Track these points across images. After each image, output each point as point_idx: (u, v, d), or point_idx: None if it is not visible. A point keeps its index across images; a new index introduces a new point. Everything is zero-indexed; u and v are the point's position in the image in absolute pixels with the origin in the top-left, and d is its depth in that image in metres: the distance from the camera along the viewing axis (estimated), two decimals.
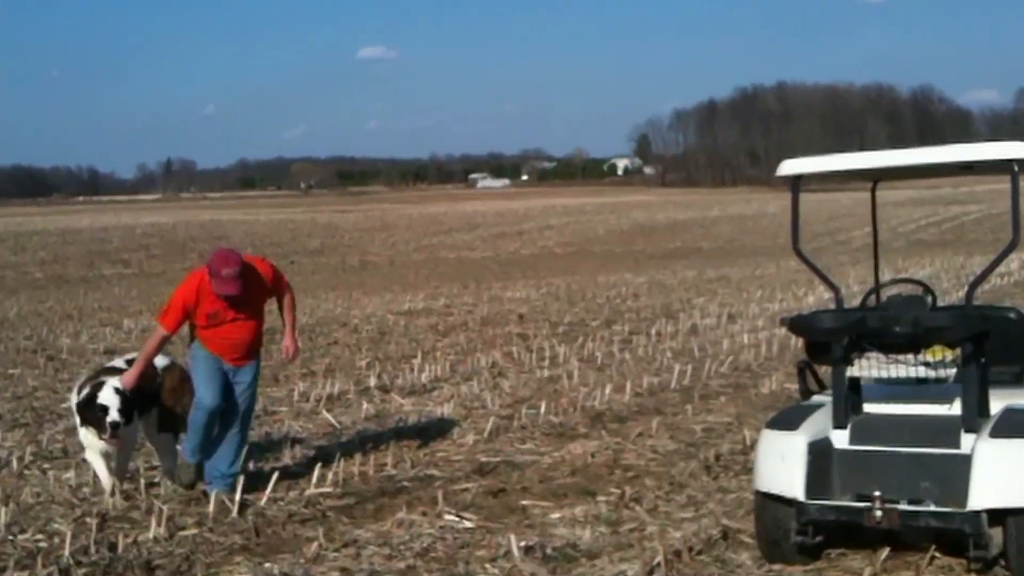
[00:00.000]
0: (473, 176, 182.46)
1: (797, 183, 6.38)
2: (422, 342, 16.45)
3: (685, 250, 48.07)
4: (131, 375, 7.52)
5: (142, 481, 7.97)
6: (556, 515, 6.87)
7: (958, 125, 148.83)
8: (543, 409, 10.21)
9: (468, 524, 6.76)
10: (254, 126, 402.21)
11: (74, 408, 7.67)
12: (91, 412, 7.40)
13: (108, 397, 7.35)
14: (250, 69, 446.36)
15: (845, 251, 37.63)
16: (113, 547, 6.42)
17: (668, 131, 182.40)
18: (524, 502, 7.26)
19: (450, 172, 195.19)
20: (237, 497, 7.16)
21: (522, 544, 6.10)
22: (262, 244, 51.66)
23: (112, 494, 7.52)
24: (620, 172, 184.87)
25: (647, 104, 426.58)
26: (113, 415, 7.30)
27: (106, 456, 7.67)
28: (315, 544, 6.33)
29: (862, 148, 6.64)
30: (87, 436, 7.57)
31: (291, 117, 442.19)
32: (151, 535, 6.61)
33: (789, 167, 6.30)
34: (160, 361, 7.93)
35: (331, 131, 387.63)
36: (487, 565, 5.89)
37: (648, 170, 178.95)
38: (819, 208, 58.36)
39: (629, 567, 5.60)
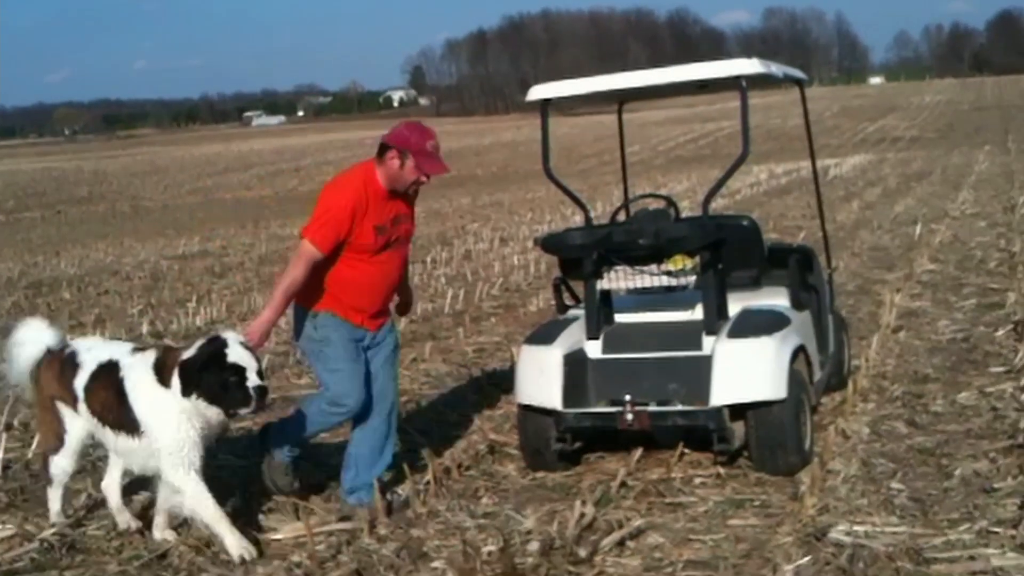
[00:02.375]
0: (248, 114, 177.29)
1: (546, 108, 6.56)
2: (197, 286, 16.12)
3: (460, 178, 48.23)
4: (265, 323, 5.32)
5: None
6: (335, 442, 6.92)
7: (713, 45, 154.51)
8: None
9: (245, 462, 6.75)
10: (10, 71, 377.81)
11: (178, 374, 4.98)
12: (213, 379, 4.94)
13: (241, 354, 4.97)
14: (4, 10, 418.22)
15: (611, 171, 38.64)
16: None
17: (441, 62, 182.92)
18: None
19: (223, 111, 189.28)
20: None
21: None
22: (25, 195, 49.03)
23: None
24: (396, 104, 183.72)
25: (419, 35, 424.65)
26: (254, 377, 4.96)
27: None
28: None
29: (624, 71, 6.82)
30: (182, 428, 5.01)
31: (52, 61, 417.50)
32: None
33: (537, 92, 6.47)
34: None
35: (95, 74, 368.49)
36: (263, 499, 5.90)
37: (423, 101, 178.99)
38: (587, 131, 59.80)
39: (402, 488, 5.75)
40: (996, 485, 5.21)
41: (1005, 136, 40.68)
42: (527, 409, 5.95)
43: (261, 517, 5.59)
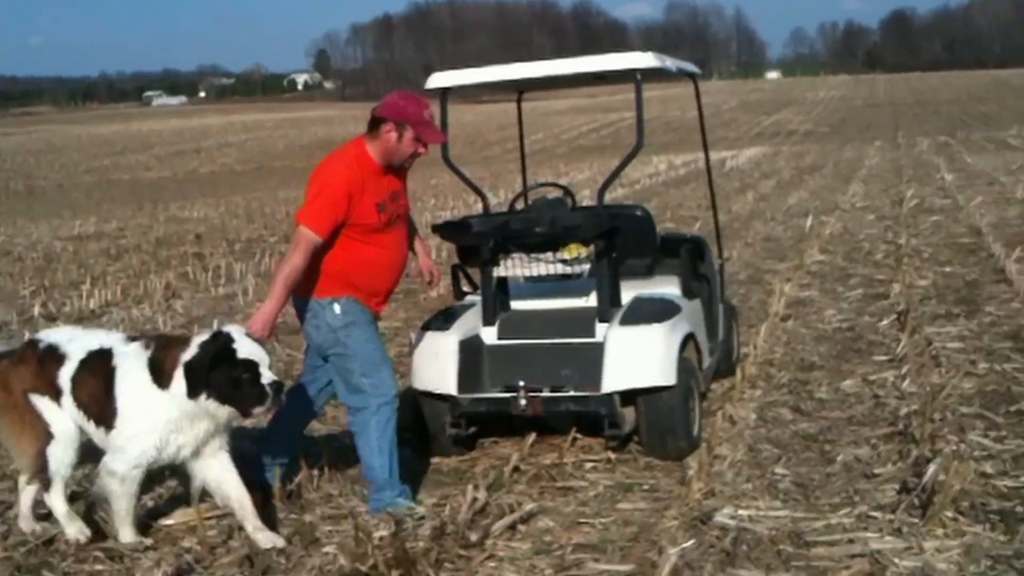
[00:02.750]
0: (148, 94, 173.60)
1: (444, 96, 6.58)
2: (92, 267, 15.85)
3: None
4: (268, 315, 4.92)
5: None
6: None
7: (616, 37, 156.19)
8: (215, 327, 10.09)
9: None
10: None
11: (183, 375, 4.67)
12: (224, 378, 4.66)
13: (252, 349, 4.69)
14: None
15: (515, 159, 38.68)
16: None
17: (346, 46, 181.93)
18: None
19: (123, 91, 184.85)
20: None
21: None
22: None
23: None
24: (300, 87, 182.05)
25: (324, 19, 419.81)
26: (267, 373, 4.72)
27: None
28: None
29: (529, 60, 6.89)
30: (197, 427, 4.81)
31: None
32: None
33: (436, 80, 6.48)
34: None
35: None
36: (154, 486, 5.83)
37: (328, 85, 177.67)
38: (492, 119, 59.88)
39: (295, 473, 5.71)
40: (876, 471, 5.39)
41: (895, 132, 41.89)
42: (422, 394, 5.99)
43: (150, 503, 5.53)
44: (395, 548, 4.48)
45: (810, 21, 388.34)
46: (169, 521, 5.23)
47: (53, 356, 5.00)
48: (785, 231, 15.23)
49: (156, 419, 4.73)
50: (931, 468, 4.92)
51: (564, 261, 6.05)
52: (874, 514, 4.82)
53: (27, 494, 5.20)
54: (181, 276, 14.32)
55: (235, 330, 4.78)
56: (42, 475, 5.02)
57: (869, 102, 68.42)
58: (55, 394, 4.96)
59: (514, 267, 6.14)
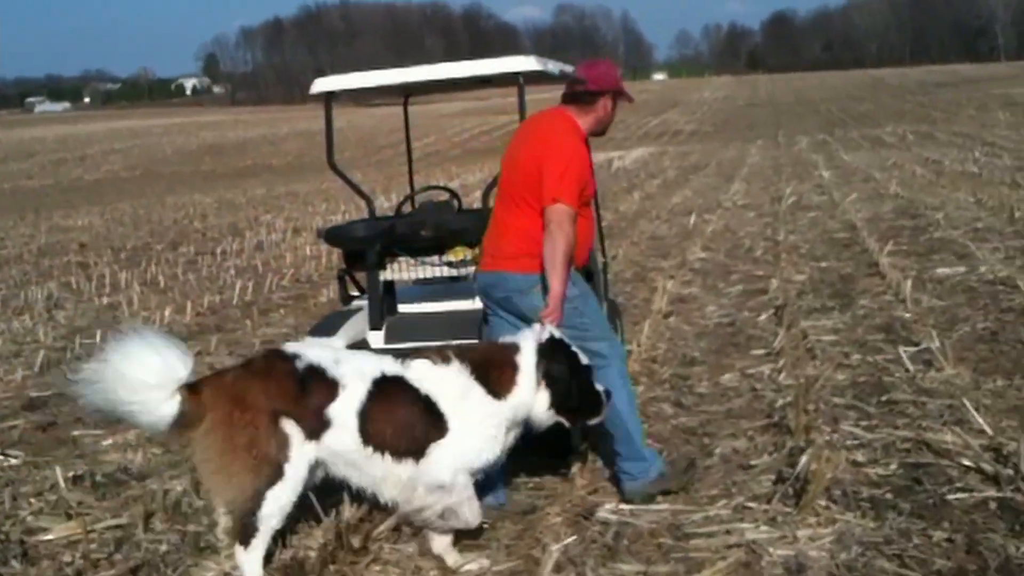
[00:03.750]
0: (30, 100, 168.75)
1: (329, 100, 6.59)
2: None
3: (255, 168, 47.63)
4: (559, 297, 4.76)
5: None
6: (108, 442, 6.79)
7: (506, 40, 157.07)
8: (99, 337, 9.93)
9: (14, 461, 6.55)
10: None
11: (546, 386, 4.52)
12: (573, 385, 4.54)
13: (578, 352, 4.62)
14: None
15: (406, 162, 38.80)
16: None
17: (236, 49, 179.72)
18: (75, 433, 7.10)
19: (3, 96, 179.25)
20: None
21: (70, 474, 6.03)
22: None
23: None
24: (189, 92, 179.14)
25: (213, 22, 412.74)
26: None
27: None
28: None
29: (421, 63, 6.91)
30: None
31: None
32: None
33: (320, 85, 6.49)
34: None
35: None
36: (32, 500, 5.76)
37: (217, 89, 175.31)
38: (384, 122, 59.64)
39: (178, 483, 5.69)
40: (753, 462, 5.56)
41: (776, 131, 42.97)
42: None
43: (29, 518, 5.44)
44: (285, 558, 4.50)
45: (694, 23, 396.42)
46: (49, 536, 5.15)
47: (321, 380, 4.35)
48: (670, 229, 15.54)
49: (494, 429, 4.46)
50: (804, 458, 5.10)
51: (450, 264, 6.11)
52: (750, 505, 4.98)
53: (248, 557, 4.29)
54: (64, 286, 14.02)
55: (552, 329, 4.58)
56: (247, 519, 4.26)
57: (751, 102, 70.05)
58: (316, 427, 4.31)
59: (401, 271, 6.19)
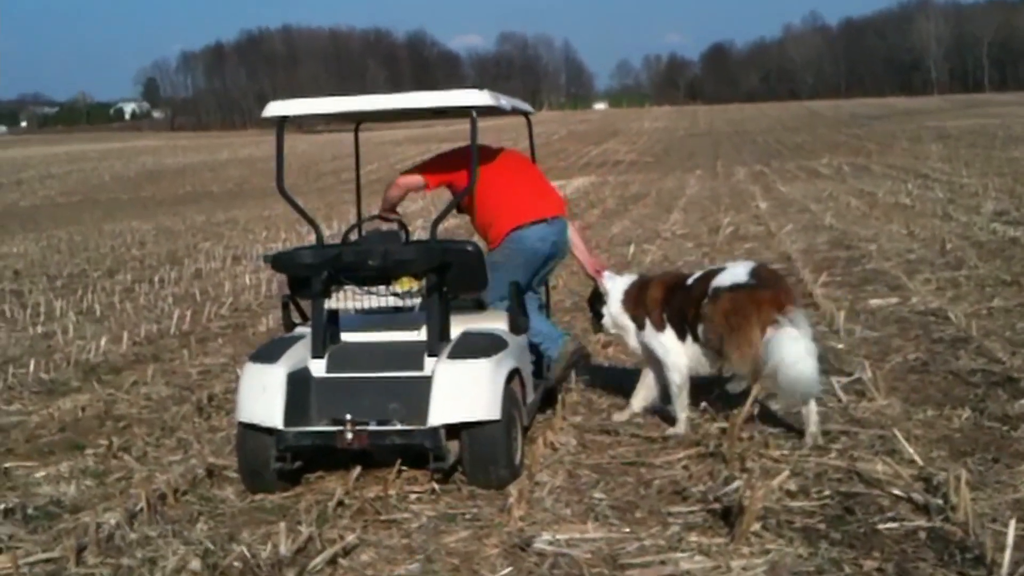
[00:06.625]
0: None
1: (282, 125, 6.56)
2: None
3: (195, 194, 47.22)
4: None
5: None
6: (41, 474, 6.68)
7: (449, 68, 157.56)
8: (32, 367, 9.80)
9: None
10: None
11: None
12: None
13: None
14: None
15: (349, 189, 38.62)
16: None
17: (176, 74, 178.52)
18: (7, 464, 6.98)
19: None
20: None
21: (1, 507, 5.94)
22: None
23: None
24: (128, 116, 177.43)
25: (154, 46, 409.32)
26: None
27: None
28: None
29: (363, 89, 6.94)
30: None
31: None
32: None
33: (274, 109, 6.46)
34: None
35: None
36: None
37: (157, 114, 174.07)
38: (326, 148, 59.54)
39: (112, 516, 5.61)
40: (689, 491, 5.62)
41: (715, 161, 43.53)
42: (247, 428, 5.93)
43: None
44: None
45: (635, 54, 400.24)
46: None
47: None
48: (609, 259, 15.60)
49: None
50: (736, 486, 5.16)
51: (396, 294, 6.13)
52: (685, 534, 5.02)
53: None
54: None
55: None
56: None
57: (691, 132, 70.90)
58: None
59: (346, 299, 6.19)
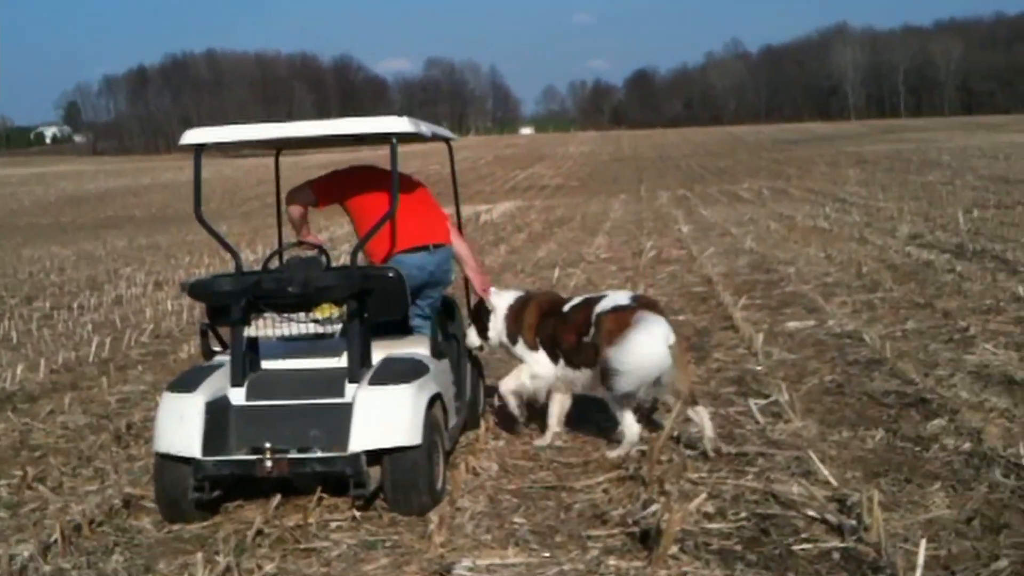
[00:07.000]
0: None
1: (199, 152, 6.52)
2: None
3: (117, 219, 46.47)
4: None
5: None
6: None
7: (376, 93, 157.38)
8: None
9: None
10: None
11: None
12: None
13: None
14: None
15: (273, 214, 38.34)
16: None
17: (98, 98, 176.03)
18: None
19: None
20: None
21: None
22: None
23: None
24: (48, 140, 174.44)
25: (75, 70, 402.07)
26: None
27: None
28: None
29: (290, 114, 6.92)
30: None
31: None
32: None
33: (191, 137, 6.42)
34: None
35: None
36: None
37: (79, 138, 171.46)
38: (250, 173, 58.99)
39: (25, 548, 5.50)
40: (608, 515, 5.66)
41: (639, 186, 44.01)
42: (165, 458, 5.86)
43: None
44: None
45: (561, 79, 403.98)
46: None
47: None
48: (534, 283, 15.69)
49: None
50: (654, 508, 5.22)
51: (317, 321, 6.11)
52: (604, 558, 5.06)
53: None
54: None
55: None
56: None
57: (615, 157, 71.54)
58: None
59: (266, 327, 6.15)
